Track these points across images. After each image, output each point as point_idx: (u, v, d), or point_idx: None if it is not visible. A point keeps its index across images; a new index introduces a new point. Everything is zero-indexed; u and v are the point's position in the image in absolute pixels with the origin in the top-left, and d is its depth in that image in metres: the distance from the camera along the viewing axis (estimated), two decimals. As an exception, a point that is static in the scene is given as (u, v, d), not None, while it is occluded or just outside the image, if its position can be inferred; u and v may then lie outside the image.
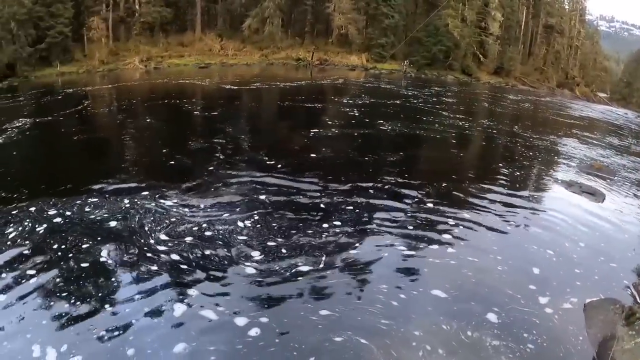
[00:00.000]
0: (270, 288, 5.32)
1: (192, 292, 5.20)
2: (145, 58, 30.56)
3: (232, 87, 22.71)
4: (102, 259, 5.79)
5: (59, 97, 20.87)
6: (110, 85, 26.07)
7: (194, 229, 6.72)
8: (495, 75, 49.68)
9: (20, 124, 13.93)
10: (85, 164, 10.75)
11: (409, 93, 25.45)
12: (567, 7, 67.76)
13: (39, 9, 32.66)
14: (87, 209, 7.24)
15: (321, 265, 5.83)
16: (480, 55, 47.80)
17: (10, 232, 6.39)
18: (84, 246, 6.07)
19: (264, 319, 4.74)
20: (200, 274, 5.55)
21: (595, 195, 10.32)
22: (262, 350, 4.34)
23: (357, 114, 17.12)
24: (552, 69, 60.20)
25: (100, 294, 5.11)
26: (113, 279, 5.43)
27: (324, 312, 4.87)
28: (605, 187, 11.34)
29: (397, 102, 21.68)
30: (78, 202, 7.45)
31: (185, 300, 5.03)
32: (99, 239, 6.27)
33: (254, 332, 4.56)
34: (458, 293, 5.39)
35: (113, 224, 6.77)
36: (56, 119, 15.01)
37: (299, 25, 37.98)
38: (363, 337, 4.48)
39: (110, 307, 4.90)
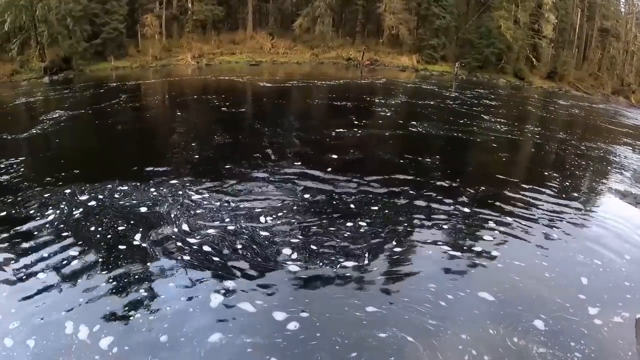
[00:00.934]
0: (311, 284, 5.21)
1: (228, 284, 5.11)
2: (197, 55, 31.04)
3: (278, 84, 22.68)
4: (136, 243, 5.90)
5: (112, 89, 21.73)
6: (161, 80, 26.64)
7: (226, 220, 6.65)
8: (548, 80, 48.19)
9: (71, 113, 15.00)
10: (127, 152, 11.24)
11: (458, 95, 25.04)
12: (623, 9, 65.50)
13: (94, 5, 33.83)
14: (121, 195, 7.45)
15: (365, 262, 5.68)
16: (533, 59, 46.52)
17: (50, 214, 6.75)
18: (119, 229, 6.27)
19: (304, 314, 4.63)
20: (235, 267, 5.46)
21: None
22: (302, 343, 4.25)
23: (400, 115, 16.71)
24: (607, 75, 58.08)
25: (134, 279, 5.18)
26: (148, 265, 5.48)
27: (369, 309, 4.74)
28: None
29: (444, 104, 21.15)
30: (117, 187, 7.74)
31: (221, 292, 4.97)
32: (132, 222, 6.44)
33: (293, 325, 4.46)
34: (505, 297, 5.26)
35: (145, 210, 6.89)
36: (105, 110, 15.79)
37: (349, 25, 37.74)
38: (409, 335, 4.38)
39: (144, 292, 4.94)
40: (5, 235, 6.20)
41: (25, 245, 5.88)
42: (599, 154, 15.55)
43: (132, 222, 6.48)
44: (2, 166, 9.24)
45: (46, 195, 7.49)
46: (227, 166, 9.37)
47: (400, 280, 5.40)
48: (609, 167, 14.04)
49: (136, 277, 5.19)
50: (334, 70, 30.88)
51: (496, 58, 41.76)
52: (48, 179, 8.32)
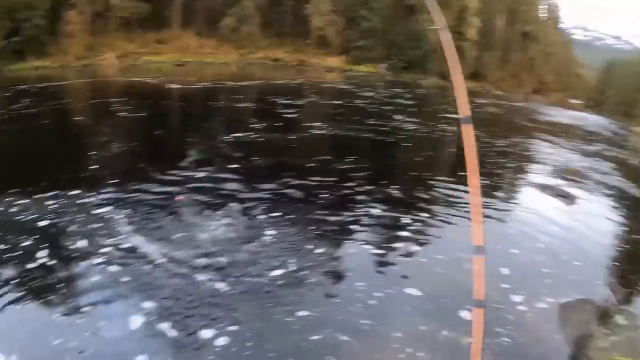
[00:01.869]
0: (238, 297, 4.90)
1: (146, 305, 4.66)
2: (122, 54, 30.42)
3: (199, 86, 22.32)
4: (43, 261, 5.32)
5: (20, 92, 19.81)
6: (80, 81, 25.85)
7: (132, 236, 6.07)
8: (471, 80, 50.47)
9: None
10: (22, 162, 9.76)
11: (379, 96, 25.76)
12: (542, 15, 69.45)
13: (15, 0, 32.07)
14: (20, 209, 6.74)
15: (292, 268, 5.51)
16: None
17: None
18: (23, 245, 5.67)
19: (233, 328, 4.39)
20: (152, 286, 4.98)
21: (568, 198, 10.46)
22: (235, 356, 4.09)
23: (314, 116, 16.68)
24: (526, 75, 61.49)
25: (43, 300, 4.69)
26: (57, 284, 4.97)
27: (300, 313, 4.65)
28: (578, 190, 11.48)
29: (365, 104, 21.60)
30: (14, 201, 6.98)
31: (140, 313, 4.52)
32: (36, 239, 5.80)
33: (222, 341, 4.21)
34: (430, 291, 5.39)
35: (46, 224, 6.26)
36: (14, 114, 14.27)
37: (278, 25, 38.09)
38: (344, 336, 4.36)
39: (56, 314, 4.47)
40: None
41: None
42: (519, 150, 16.57)
43: (35, 237, 5.84)
44: None
45: None
46: (123, 177, 8.56)
47: (329, 283, 5.36)
48: (530, 162, 15.08)
49: (45, 297, 4.70)
50: (261, 70, 31.12)
51: (421, 59, 43.39)
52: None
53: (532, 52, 63.10)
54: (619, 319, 5.16)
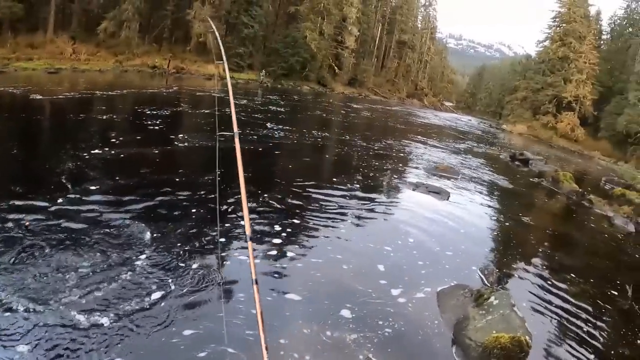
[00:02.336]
0: (119, 327, 4.35)
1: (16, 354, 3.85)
2: (-11, 59, 29.13)
3: (66, 96, 19.79)
4: None
5: None
6: None
7: None
8: (349, 86, 54.21)
9: None
10: None
11: (251, 104, 25.96)
12: (419, 25, 75.22)
13: None
14: None
15: (170, 288, 5.10)
16: (336, 67, 51.84)
17: None
18: None
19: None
20: (19, 333, 4.08)
21: (440, 194, 11.23)
22: None
23: (177, 127, 15.57)
24: (403, 81, 66.66)
25: None
26: None
27: (186, 332, 4.40)
28: (450, 186, 12.46)
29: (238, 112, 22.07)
30: None
31: None
32: None
33: None
34: (310, 295, 5.37)
35: None
36: None
37: (157, 30, 38.27)
38: (230, 348, 4.19)
39: None
40: None
41: None
42: (393, 151, 17.51)
43: None
44: None
45: None
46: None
47: (211, 298, 5.00)
48: (403, 163, 15.80)
49: None
50: (138, 78, 30.74)
51: (301, 66, 45.85)
52: None
53: (408, 59, 68.36)
54: (492, 300, 5.36)
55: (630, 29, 54.31)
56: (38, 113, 15.16)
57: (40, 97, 17.81)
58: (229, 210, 7.61)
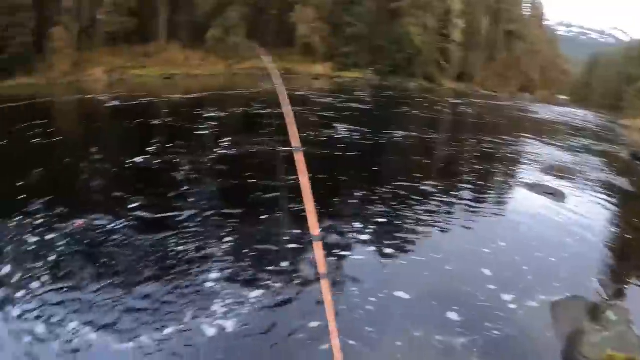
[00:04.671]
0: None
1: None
2: (109, 69, 30.58)
3: (184, 98, 22.12)
4: None
5: (14, 110, 19.06)
6: (68, 99, 25.68)
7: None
8: (458, 81, 51.12)
9: None
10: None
11: (368, 99, 25.89)
12: (526, 13, 70.18)
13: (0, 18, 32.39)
14: None
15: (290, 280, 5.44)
16: (442, 62, 49.11)
17: None
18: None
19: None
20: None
21: (556, 195, 10.57)
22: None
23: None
24: (513, 74, 62.04)
25: None
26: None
27: (312, 324, 4.54)
28: (566, 187, 11.60)
29: (354, 109, 21.62)
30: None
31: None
32: None
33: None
34: (418, 294, 5.36)
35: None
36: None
37: (263, 34, 38.35)
38: (350, 340, 4.32)
39: None
40: None
41: None
42: (507, 149, 16.50)
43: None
44: None
45: None
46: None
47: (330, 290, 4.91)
48: (518, 161, 15.04)
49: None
50: (248, 81, 31.18)
51: (407, 63, 43.84)
52: None
53: (518, 50, 63.75)
54: (610, 315, 5.15)
55: None
56: (156, 115, 16.90)
57: (157, 99, 19.64)
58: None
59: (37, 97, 25.83)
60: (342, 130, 15.83)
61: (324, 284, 2.85)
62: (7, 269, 5.36)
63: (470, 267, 6.24)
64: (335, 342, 2.88)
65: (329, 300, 2.82)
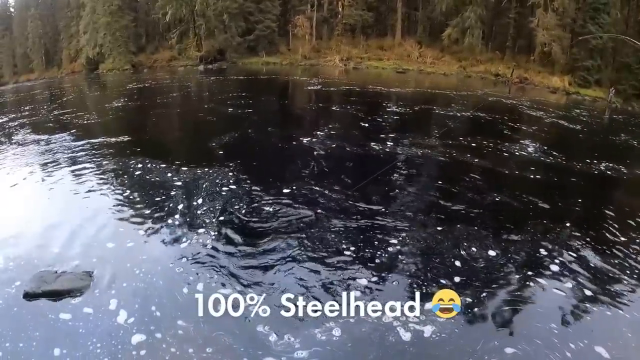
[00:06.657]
0: None
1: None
2: (345, 57, 31.80)
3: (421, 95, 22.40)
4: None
5: (261, 81, 22.91)
6: (308, 79, 27.39)
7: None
8: None
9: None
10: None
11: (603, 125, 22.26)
12: None
13: (249, 4, 36.36)
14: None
15: (481, 295, 5.52)
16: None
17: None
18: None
19: None
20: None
21: None
22: None
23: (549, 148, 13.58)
24: None
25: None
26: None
27: (507, 350, 4.61)
28: None
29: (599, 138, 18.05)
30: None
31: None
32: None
33: None
34: (619, 355, 4.67)
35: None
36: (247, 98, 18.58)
37: (499, 38, 36.27)
38: None
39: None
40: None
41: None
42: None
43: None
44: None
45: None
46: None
47: (521, 323, 5.04)
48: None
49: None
50: (480, 84, 29.84)
51: (655, 87, 38.16)
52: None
53: None
54: None
55: None
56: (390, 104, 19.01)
57: (388, 90, 20.48)
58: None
59: (280, 74, 28.12)
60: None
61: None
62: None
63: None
64: None
65: None
